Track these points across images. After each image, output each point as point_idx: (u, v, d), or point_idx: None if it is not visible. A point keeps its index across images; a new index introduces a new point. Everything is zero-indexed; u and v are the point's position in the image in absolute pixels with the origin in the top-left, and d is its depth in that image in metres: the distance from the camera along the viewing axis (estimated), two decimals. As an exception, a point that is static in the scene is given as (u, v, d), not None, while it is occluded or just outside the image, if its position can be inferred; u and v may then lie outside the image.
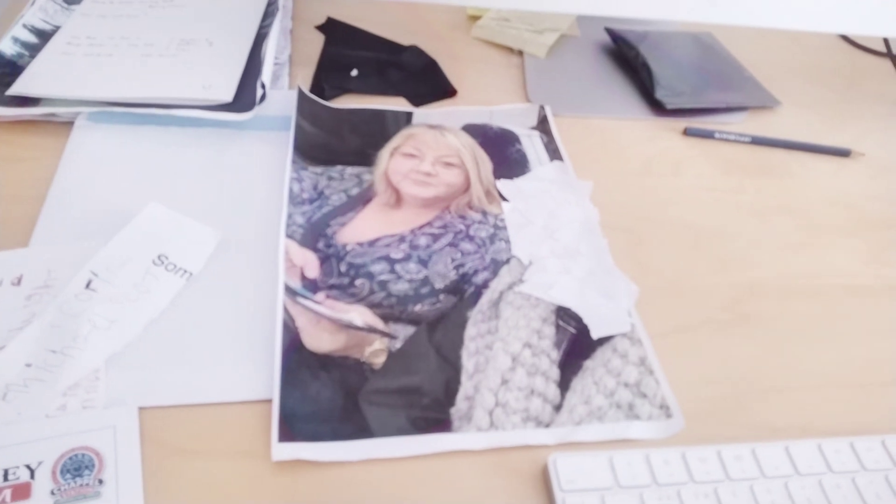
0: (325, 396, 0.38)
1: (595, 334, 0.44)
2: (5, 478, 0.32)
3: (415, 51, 0.66)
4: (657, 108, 0.65)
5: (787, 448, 0.39)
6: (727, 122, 0.65)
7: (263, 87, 0.54)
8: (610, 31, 0.73)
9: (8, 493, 0.32)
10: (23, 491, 0.32)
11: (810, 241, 0.54)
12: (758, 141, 0.63)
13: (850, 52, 0.80)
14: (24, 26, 0.58)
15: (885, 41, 0.72)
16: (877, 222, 0.57)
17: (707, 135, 0.63)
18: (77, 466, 0.33)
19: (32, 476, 0.32)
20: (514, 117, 0.61)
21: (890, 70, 0.74)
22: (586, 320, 0.45)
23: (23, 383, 0.36)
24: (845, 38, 0.82)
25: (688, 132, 0.63)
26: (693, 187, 0.58)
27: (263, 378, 0.38)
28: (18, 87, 0.52)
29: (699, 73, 0.69)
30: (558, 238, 0.50)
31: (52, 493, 0.32)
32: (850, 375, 0.45)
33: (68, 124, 0.52)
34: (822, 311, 0.49)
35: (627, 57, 0.70)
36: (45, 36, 0.59)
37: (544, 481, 0.36)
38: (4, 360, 0.36)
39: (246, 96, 0.54)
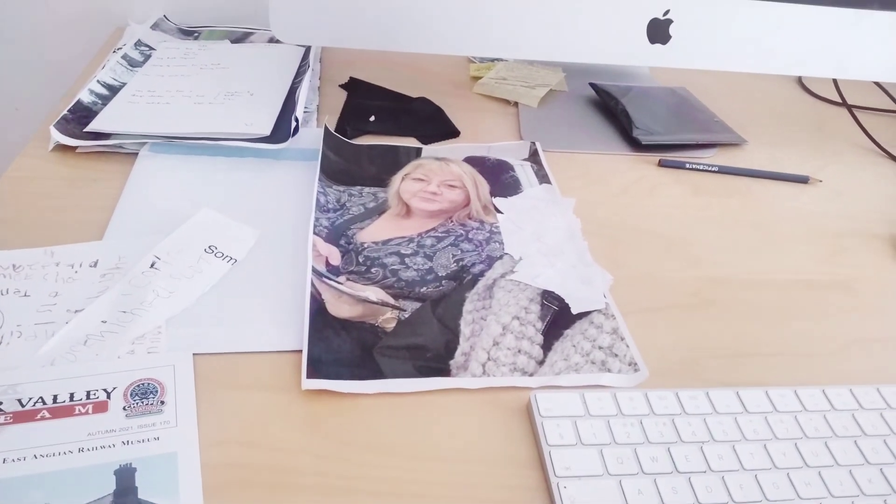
0: (345, 349, 0.46)
1: (575, 310, 0.51)
2: (88, 396, 0.40)
3: (423, 100, 0.77)
4: (635, 146, 0.75)
5: (738, 392, 0.45)
6: (698, 156, 0.74)
7: (297, 120, 0.64)
8: (594, 86, 0.83)
9: (91, 407, 0.39)
10: (101, 406, 0.40)
11: (769, 247, 0.62)
12: (725, 170, 0.72)
13: (812, 103, 0.90)
14: (98, 82, 0.70)
15: (838, 90, 0.82)
16: (830, 233, 0.65)
17: (679, 165, 0.72)
18: (144, 392, 0.41)
19: (109, 396, 0.40)
20: (509, 151, 0.71)
21: (846, 116, 0.83)
22: (567, 300, 0.52)
23: (99, 334, 0.44)
24: (806, 90, 0.92)
25: (662, 163, 0.72)
26: (665, 205, 0.66)
27: (294, 334, 0.46)
28: (94, 125, 0.63)
29: (673, 117, 0.79)
30: (545, 241, 0.58)
31: (124, 408, 0.40)
32: (798, 347, 0.52)
33: (133, 154, 0.63)
34: (778, 299, 0.56)
35: (609, 106, 0.80)
36: (114, 90, 0.70)
37: (527, 413, 0.43)
38: (85, 317, 0.45)
39: (281, 131, 0.65)
